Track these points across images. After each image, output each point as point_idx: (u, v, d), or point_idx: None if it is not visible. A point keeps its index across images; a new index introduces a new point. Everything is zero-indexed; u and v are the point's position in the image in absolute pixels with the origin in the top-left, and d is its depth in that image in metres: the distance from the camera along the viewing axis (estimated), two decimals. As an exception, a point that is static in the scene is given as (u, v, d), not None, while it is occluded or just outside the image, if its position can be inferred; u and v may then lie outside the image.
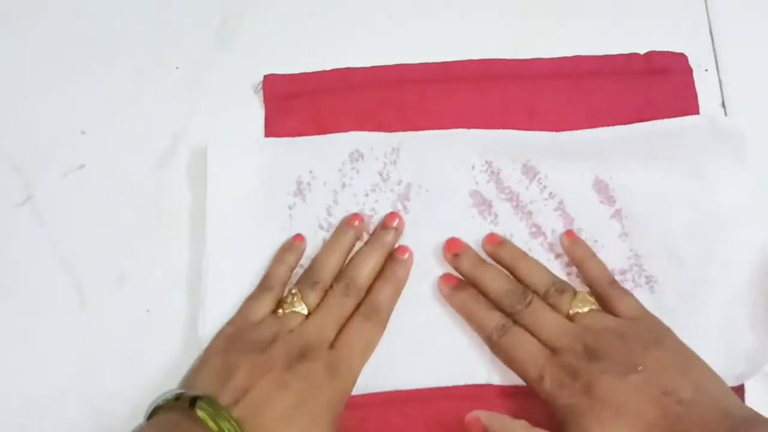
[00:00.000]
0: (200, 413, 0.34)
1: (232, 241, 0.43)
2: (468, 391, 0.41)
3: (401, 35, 0.48)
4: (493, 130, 0.45)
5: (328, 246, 0.43)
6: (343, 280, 0.41)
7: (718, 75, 0.47)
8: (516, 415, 0.40)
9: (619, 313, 0.40)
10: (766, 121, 0.45)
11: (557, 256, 0.43)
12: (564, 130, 0.45)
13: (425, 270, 0.43)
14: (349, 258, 0.43)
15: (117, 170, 0.45)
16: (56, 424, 0.41)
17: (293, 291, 0.41)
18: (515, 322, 0.40)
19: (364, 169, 0.44)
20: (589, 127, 0.45)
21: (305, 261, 0.43)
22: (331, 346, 0.39)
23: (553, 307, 0.40)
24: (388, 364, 0.41)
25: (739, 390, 0.41)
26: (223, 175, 0.44)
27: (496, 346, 0.40)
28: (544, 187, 0.44)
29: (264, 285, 0.42)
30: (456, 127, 0.45)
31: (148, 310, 0.43)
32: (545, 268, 0.42)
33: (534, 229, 0.44)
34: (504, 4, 0.48)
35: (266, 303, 0.41)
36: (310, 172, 0.44)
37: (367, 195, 0.44)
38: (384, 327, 0.41)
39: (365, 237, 0.44)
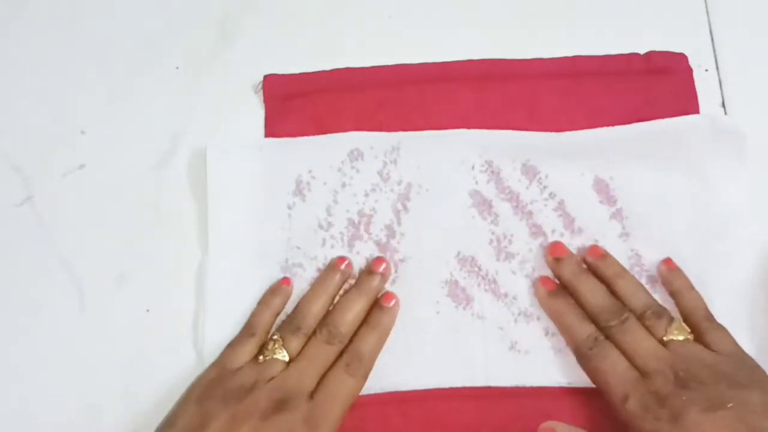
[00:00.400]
0: None
1: (232, 241, 0.43)
2: (468, 392, 0.41)
3: (401, 35, 0.48)
4: (493, 130, 0.45)
5: (312, 290, 0.42)
6: (326, 327, 0.40)
7: (718, 75, 0.47)
8: (514, 416, 0.41)
9: (713, 348, 0.38)
10: (766, 121, 0.45)
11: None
12: (564, 130, 0.45)
13: (425, 270, 0.43)
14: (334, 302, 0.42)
15: (117, 170, 0.45)
16: (56, 424, 0.41)
17: (275, 337, 0.40)
18: (606, 337, 0.39)
19: (364, 168, 0.44)
20: (589, 127, 0.45)
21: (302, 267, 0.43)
22: (311, 395, 0.38)
23: (648, 329, 0.39)
24: (388, 364, 0.41)
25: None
26: (223, 175, 0.44)
27: (584, 357, 0.40)
28: (545, 187, 0.44)
29: (246, 330, 0.41)
30: (456, 127, 0.45)
31: (148, 310, 0.43)
32: (644, 289, 0.41)
33: (534, 230, 0.43)
34: (504, 4, 0.48)
35: (248, 349, 0.40)
36: (310, 171, 0.44)
37: (366, 195, 0.44)
38: (366, 377, 0.40)
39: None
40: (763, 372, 0.38)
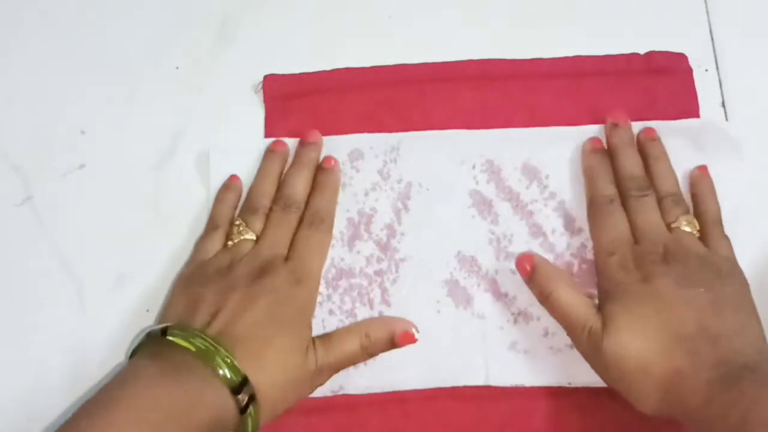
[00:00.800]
0: (172, 338, 0.35)
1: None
2: (468, 392, 0.41)
3: (401, 35, 0.48)
4: (493, 130, 0.45)
5: (258, 175, 0.44)
6: (281, 199, 0.42)
7: (718, 75, 0.47)
8: (514, 416, 0.40)
9: (711, 249, 0.40)
10: (766, 121, 0.45)
11: (557, 256, 0.43)
12: (564, 130, 0.45)
13: (425, 269, 0.43)
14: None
15: (117, 170, 0.45)
16: (55, 425, 0.41)
17: (237, 222, 0.42)
18: (622, 204, 0.42)
19: (364, 167, 0.44)
20: (590, 127, 0.45)
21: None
22: (287, 259, 0.40)
23: (662, 212, 0.41)
24: (388, 364, 0.41)
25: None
26: (225, 175, 0.44)
27: (594, 211, 0.42)
28: (545, 186, 0.44)
29: (211, 225, 0.43)
30: (456, 127, 0.45)
31: (148, 310, 0.43)
32: (676, 180, 0.43)
33: (534, 229, 0.43)
34: (504, 5, 0.48)
35: (216, 240, 0.42)
36: (310, 171, 0.45)
37: (366, 194, 0.44)
38: (330, 232, 0.43)
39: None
40: (747, 284, 0.39)
